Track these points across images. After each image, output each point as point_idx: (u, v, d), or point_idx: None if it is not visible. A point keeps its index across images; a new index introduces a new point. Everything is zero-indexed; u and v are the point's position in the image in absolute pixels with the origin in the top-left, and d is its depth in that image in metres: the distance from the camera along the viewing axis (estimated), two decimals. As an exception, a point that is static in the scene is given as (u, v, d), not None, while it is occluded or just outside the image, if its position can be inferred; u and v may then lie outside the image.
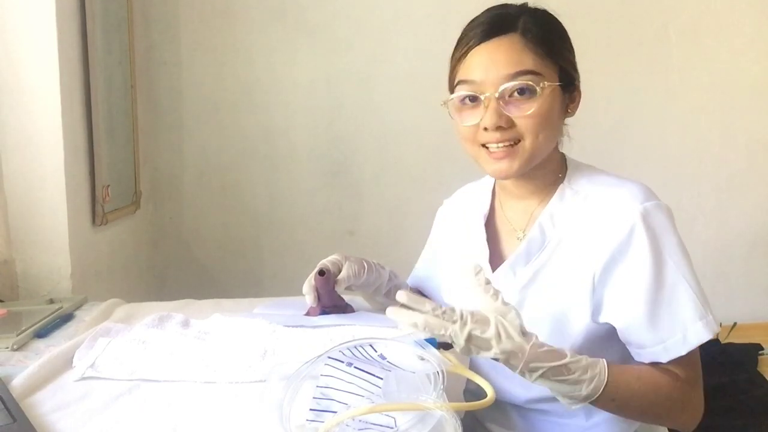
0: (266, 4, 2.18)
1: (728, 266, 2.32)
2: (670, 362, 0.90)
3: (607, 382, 0.83)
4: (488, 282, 0.83)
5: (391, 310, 0.81)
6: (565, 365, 0.81)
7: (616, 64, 2.19)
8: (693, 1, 2.25)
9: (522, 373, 0.81)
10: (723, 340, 1.99)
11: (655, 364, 0.91)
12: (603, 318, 0.94)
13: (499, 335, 0.79)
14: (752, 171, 2.31)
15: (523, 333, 0.81)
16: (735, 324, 2.15)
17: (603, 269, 0.92)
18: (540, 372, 0.80)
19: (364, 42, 2.22)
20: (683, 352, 0.89)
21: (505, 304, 0.82)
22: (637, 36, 2.24)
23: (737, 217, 2.32)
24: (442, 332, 0.79)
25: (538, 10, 0.99)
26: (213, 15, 2.18)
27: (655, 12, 2.24)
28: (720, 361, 1.81)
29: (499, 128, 0.93)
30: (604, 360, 0.85)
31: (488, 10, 0.99)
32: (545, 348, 0.81)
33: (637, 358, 0.93)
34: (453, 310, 0.80)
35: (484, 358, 0.81)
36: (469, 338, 0.79)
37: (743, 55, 2.27)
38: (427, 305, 0.80)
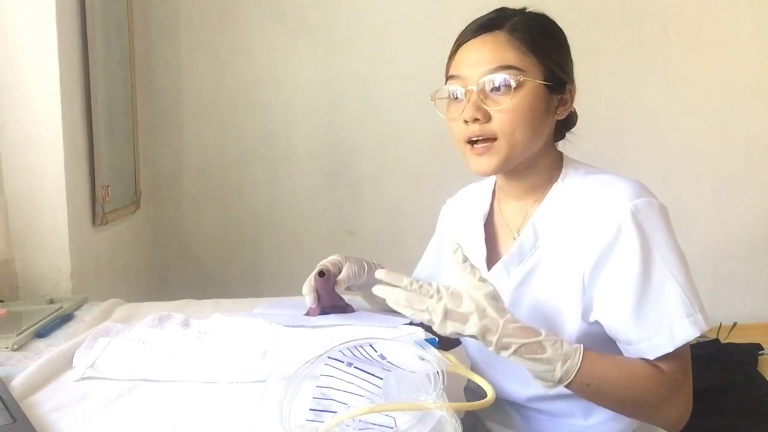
0: (266, 4, 2.19)
1: (728, 266, 2.32)
2: (658, 359, 0.90)
3: (581, 365, 0.84)
4: (466, 260, 0.86)
5: (376, 289, 0.86)
6: (538, 342, 0.82)
7: (616, 64, 2.19)
8: (693, 1, 2.25)
9: (497, 350, 0.82)
10: (723, 340, 1.99)
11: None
12: (593, 317, 0.94)
13: (474, 310, 0.81)
14: (752, 171, 2.31)
15: (499, 309, 0.83)
16: (735, 324, 2.15)
17: (592, 268, 0.92)
18: (513, 348, 0.81)
19: (364, 42, 2.22)
20: (669, 350, 0.89)
21: (482, 280, 0.84)
22: (637, 36, 2.24)
23: (737, 217, 2.32)
24: (422, 308, 0.82)
25: (537, 14, 1.00)
26: (213, 15, 2.18)
27: (655, 12, 2.24)
28: (720, 361, 1.81)
29: (476, 121, 0.94)
30: (581, 345, 0.86)
31: (490, 12, 1.01)
32: (519, 324, 0.83)
33: (625, 354, 0.94)
34: (429, 284, 0.84)
35: (460, 335, 0.83)
36: (446, 313, 0.82)
37: (743, 55, 2.27)
38: (404, 280, 0.84)
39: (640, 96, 2.26)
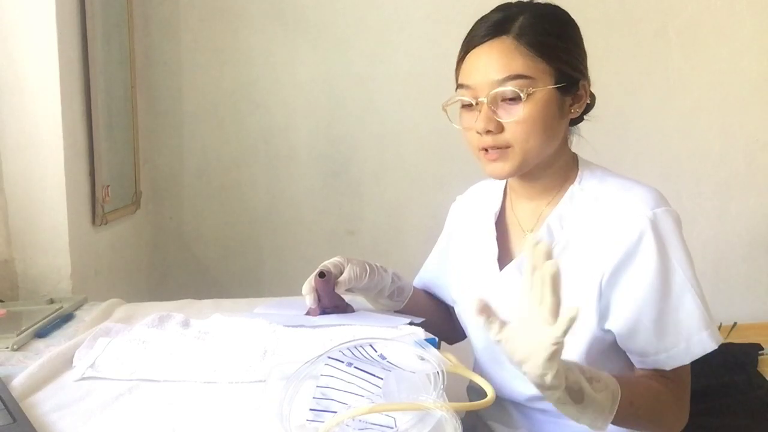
0: (266, 4, 2.18)
1: (728, 266, 2.32)
2: (666, 371, 0.90)
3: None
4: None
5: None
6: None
7: (616, 64, 2.19)
8: (693, 1, 2.24)
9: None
10: (723, 340, 1.99)
11: (654, 373, 0.92)
12: (608, 324, 0.93)
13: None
14: (752, 171, 2.31)
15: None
16: (735, 324, 2.15)
17: (611, 275, 0.92)
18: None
19: (364, 42, 2.22)
20: (687, 361, 0.89)
21: None
22: (637, 36, 2.24)
23: (737, 217, 2.32)
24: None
25: (545, 8, 0.98)
26: (213, 15, 2.18)
27: (655, 12, 2.24)
28: (720, 361, 1.80)
29: (489, 132, 0.94)
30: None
31: (495, 9, 0.99)
32: None
33: (638, 366, 0.93)
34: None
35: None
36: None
37: (743, 55, 2.27)
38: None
39: (640, 96, 2.26)
